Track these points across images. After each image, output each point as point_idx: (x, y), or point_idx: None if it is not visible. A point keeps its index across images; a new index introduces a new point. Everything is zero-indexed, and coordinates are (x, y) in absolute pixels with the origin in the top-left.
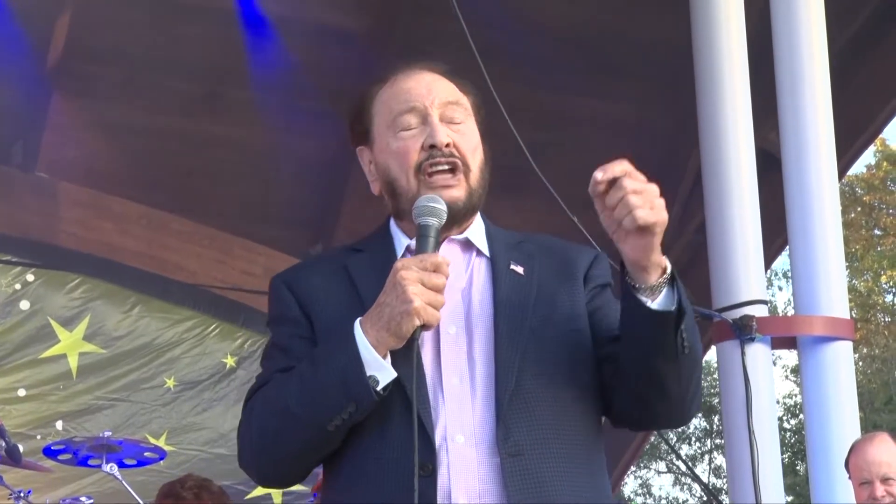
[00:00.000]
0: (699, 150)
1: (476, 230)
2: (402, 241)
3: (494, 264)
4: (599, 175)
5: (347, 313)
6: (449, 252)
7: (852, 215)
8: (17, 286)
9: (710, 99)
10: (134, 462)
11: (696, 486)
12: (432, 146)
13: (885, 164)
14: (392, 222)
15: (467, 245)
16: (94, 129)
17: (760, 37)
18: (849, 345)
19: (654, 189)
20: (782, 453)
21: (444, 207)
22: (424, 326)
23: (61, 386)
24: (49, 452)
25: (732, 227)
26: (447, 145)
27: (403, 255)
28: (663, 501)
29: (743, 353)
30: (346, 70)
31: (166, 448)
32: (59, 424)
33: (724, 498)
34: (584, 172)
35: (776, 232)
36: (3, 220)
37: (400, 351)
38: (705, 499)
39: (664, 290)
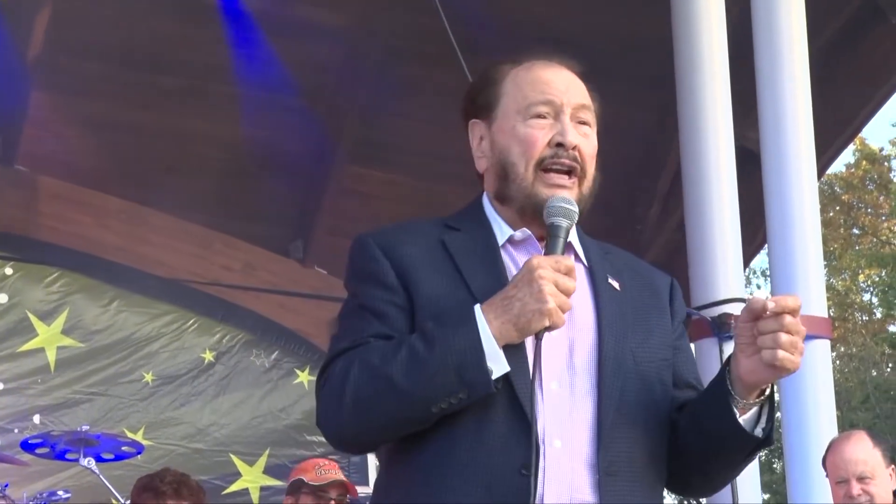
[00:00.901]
0: (679, 148)
1: (574, 236)
2: (503, 229)
3: (593, 274)
4: (771, 305)
5: (450, 293)
6: None
7: (831, 214)
8: None
9: (689, 97)
10: (111, 456)
11: None
12: (559, 144)
13: (864, 162)
14: (488, 204)
15: (568, 249)
16: (74, 123)
17: (740, 35)
18: (826, 343)
19: (803, 334)
20: None
21: (576, 209)
22: (549, 328)
23: (39, 380)
24: (26, 446)
25: (711, 225)
26: (574, 147)
27: (504, 246)
28: None
29: (721, 351)
30: (327, 66)
31: (144, 442)
32: (36, 418)
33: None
34: None
35: (755, 230)
36: None
37: (508, 345)
38: (682, 497)
39: (755, 408)
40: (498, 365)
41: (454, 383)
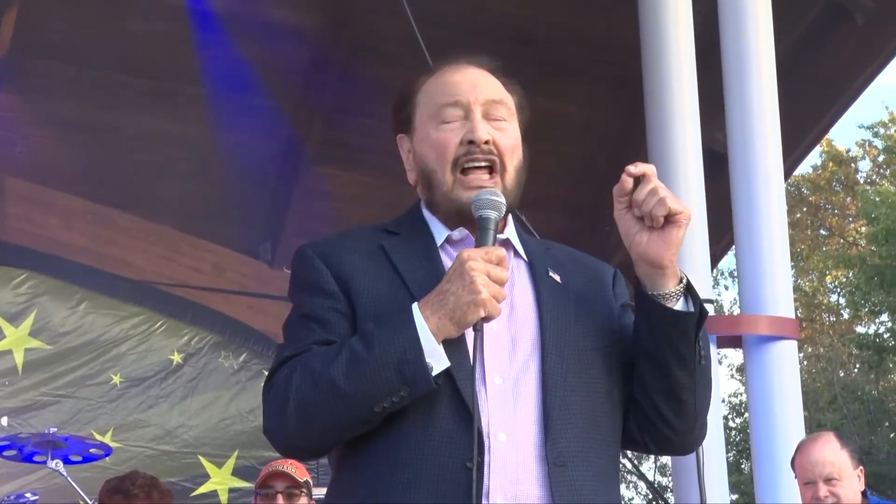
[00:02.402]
0: (646, 150)
1: (512, 232)
2: (440, 230)
3: (533, 268)
4: (633, 168)
5: (391, 295)
6: None
7: (798, 215)
8: None
9: (657, 98)
10: (79, 458)
11: (641, 484)
12: (471, 142)
13: (830, 164)
14: (424, 210)
15: (506, 245)
16: (41, 124)
17: (707, 37)
18: (794, 344)
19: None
20: (727, 452)
21: (503, 200)
22: (486, 318)
23: (6, 382)
24: None
25: None
26: (486, 142)
27: (442, 246)
28: None
29: None
30: (295, 68)
31: (112, 444)
32: (3, 420)
33: (670, 496)
34: (530, 170)
35: (722, 231)
36: None
37: (448, 341)
38: (651, 497)
39: (680, 300)
40: (438, 361)
41: (395, 382)
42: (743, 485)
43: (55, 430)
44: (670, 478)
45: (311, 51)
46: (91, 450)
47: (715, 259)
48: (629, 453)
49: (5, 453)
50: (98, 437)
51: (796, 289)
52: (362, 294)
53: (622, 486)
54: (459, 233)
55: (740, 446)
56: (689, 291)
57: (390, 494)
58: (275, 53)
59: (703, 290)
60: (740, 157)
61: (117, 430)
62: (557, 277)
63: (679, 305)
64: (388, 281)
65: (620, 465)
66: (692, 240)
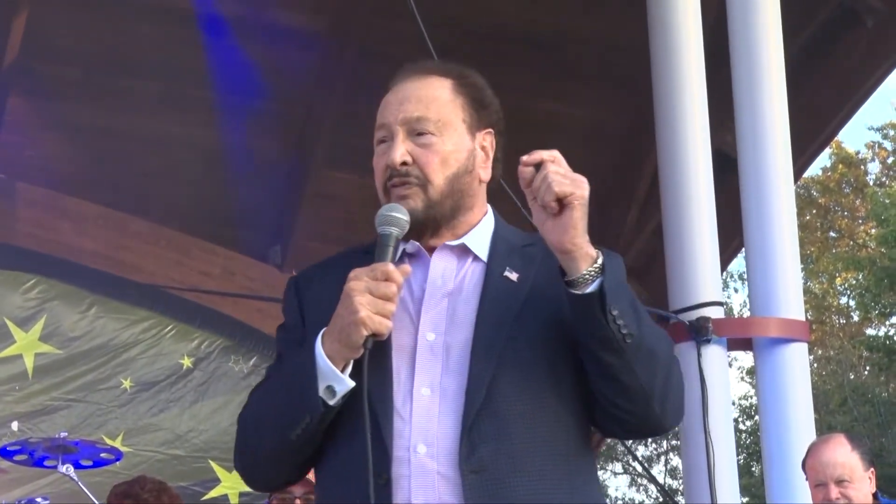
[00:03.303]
0: (656, 153)
1: (478, 235)
2: (399, 249)
3: (489, 269)
4: (526, 157)
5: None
6: (441, 258)
7: (808, 217)
8: None
9: (667, 101)
10: (90, 463)
11: (652, 488)
12: (388, 166)
13: (840, 166)
14: None
15: (464, 251)
16: (52, 129)
17: (717, 39)
18: (804, 346)
19: (578, 176)
20: (738, 455)
21: (404, 217)
22: (375, 335)
23: (17, 386)
24: (4, 453)
25: (689, 229)
26: (403, 163)
27: (402, 259)
28: (619, 502)
29: (699, 355)
30: (304, 71)
31: (123, 449)
32: (14, 425)
33: (680, 499)
34: None
35: (732, 234)
36: None
37: (373, 360)
38: (661, 500)
39: (597, 281)
40: (339, 384)
41: (299, 409)
42: (753, 487)
43: (66, 434)
44: (681, 481)
45: (320, 54)
46: (102, 454)
47: (725, 262)
48: (639, 455)
49: (16, 458)
50: (108, 441)
51: (806, 291)
52: (311, 323)
53: (633, 490)
54: (412, 246)
55: (751, 449)
56: (604, 273)
57: None
58: (283, 56)
59: (713, 293)
60: (750, 160)
61: (128, 434)
62: (514, 276)
63: (594, 285)
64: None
65: (631, 468)
66: (702, 242)
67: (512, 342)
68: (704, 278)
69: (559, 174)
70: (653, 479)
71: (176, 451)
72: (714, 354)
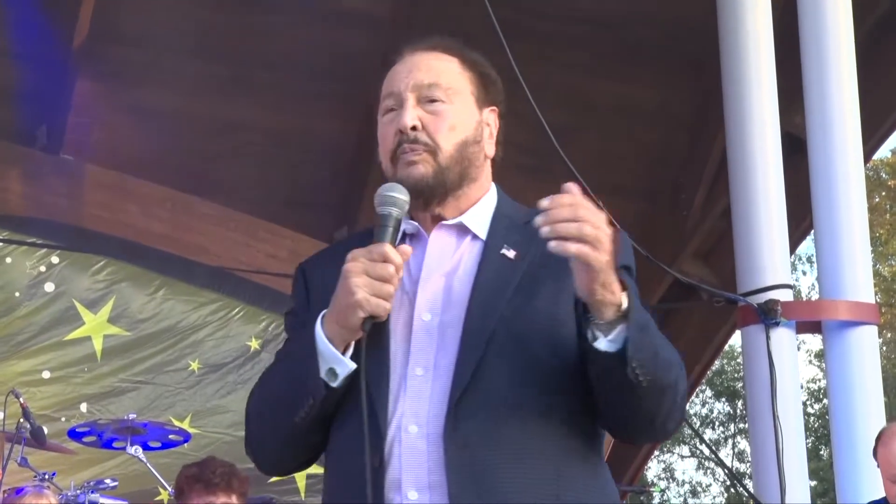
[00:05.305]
0: (724, 134)
1: (478, 213)
2: (399, 229)
3: (486, 248)
4: (545, 203)
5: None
6: (439, 238)
7: (877, 200)
8: (42, 268)
9: (735, 82)
10: (158, 444)
11: (719, 471)
12: (400, 131)
13: None
14: None
15: (462, 229)
16: (120, 111)
17: (786, 19)
18: (873, 329)
19: (603, 235)
20: (806, 438)
21: (403, 196)
22: (373, 317)
23: (86, 368)
24: (74, 434)
25: (757, 211)
26: (413, 128)
27: (402, 242)
28: (686, 485)
29: (768, 338)
30: (369, 53)
31: (190, 431)
32: (83, 407)
33: (748, 482)
34: (607, 155)
35: (801, 216)
36: (29, 203)
37: (371, 341)
38: (729, 483)
39: (620, 326)
40: (340, 366)
41: (301, 392)
42: (822, 471)
43: (134, 416)
44: (749, 464)
45: (385, 36)
46: (170, 436)
47: (793, 244)
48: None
49: (85, 439)
50: (177, 423)
51: (875, 274)
52: (316, 305)
53: (699, 473)
54: (411, 227)
55: (819, 432)
56: (628, 318)
57: (331, 496)
58: (349, 39)
59: (782, 276)
60: (819, 142)
61: (195, 416)
62: (512, 254)
63: (618, 332)
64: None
65: (698, 451)
66: (770, 225)
67: (504, 321)
68: (773, 261)
69: (587, 236)
70: (720, 463)
71: (243, 432)
72: (783, 337)
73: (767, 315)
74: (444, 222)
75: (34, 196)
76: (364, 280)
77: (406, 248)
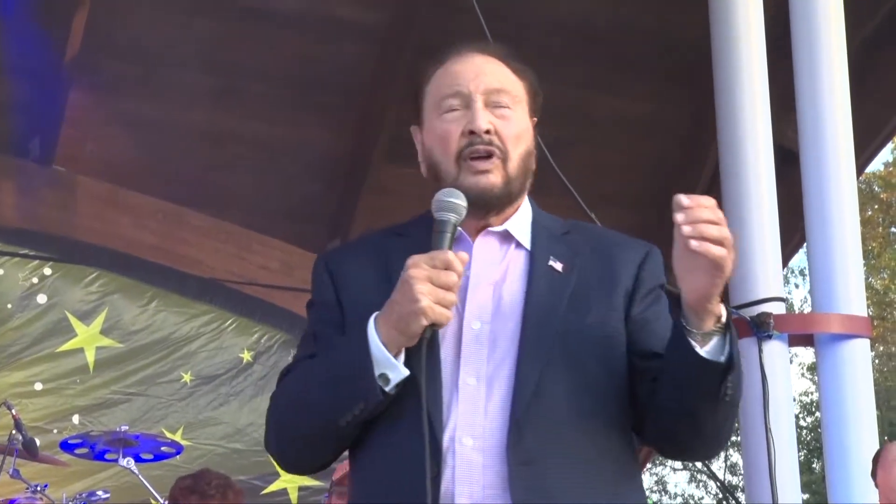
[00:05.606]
0: (717, 147)
1: (519, 221)
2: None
3: (533, 258)
4: (687, 201)
5: (375, 302)
6: (485, 244)
7: (869, 213)
8: (35, 280)
9: (728, 95)
10: (150, 456)
11: (711, 484)
12: (472, 132)
13: None
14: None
15: (506, 237)
16: (112, 123)
17: (778, 32)
18: (866, 342)
19: (726, 238)
20: (798, 451)
21: (462, 203)
22: (434, 325)
23: (78, 380)
24: (66, 446)
25: (750, 223)
26: (487, 132)
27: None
28: (679, 499)
29: (760, 351)
30: (363, 64)
31: (183, 442)
32: (75, 418)
33: (741, 495)
34: (600, 168)
35: (793, 229)
36: (21, 214)
37: (418, 347)
38: (721, 496)
39: (715, 338)
40: (394, 371)
41: (351, 395)
42: (814, 484)
43: (126, 428)
44: (741, 477)
45: (379, 48)
46: (162, 448)
47: (786, 257)
48: None
49: (77, 451)
50: (169, 435)
51: (868, 287)
52: (351, 303)
53: (692, 486)
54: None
55: (811, 445)
56: (726, 332)
57: (371, 499)
58: (342, 51)
59: (774, 288)
60: (812, 154)
61: (188, 428)
62: (559, 266)
63: (713, 343)
64: (379, 289)
65: (690, 464)
66: (763, 237)
67: (561, 337)
68: (765, 274)
69: (726, 240)
70: (713, 476)
71: (236, 444)
72: (775, 350)
73: (760, 328)
74: (490, 229)
75: (26, 208)
76: (428, 288)
77: (464, 255)
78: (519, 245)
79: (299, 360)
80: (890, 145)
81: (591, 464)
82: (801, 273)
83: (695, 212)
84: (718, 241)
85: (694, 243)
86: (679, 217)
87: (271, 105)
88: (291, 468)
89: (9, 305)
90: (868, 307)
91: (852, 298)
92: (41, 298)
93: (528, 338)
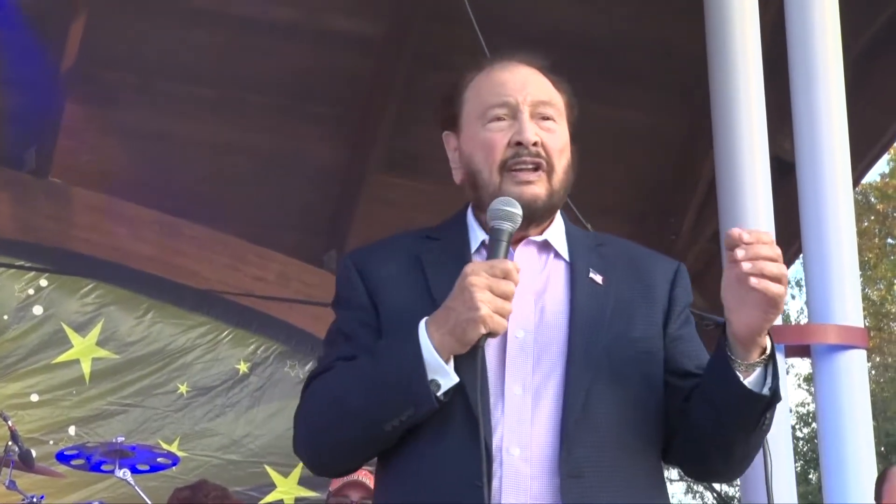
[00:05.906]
0: (713, 158)
1: (556, 231)
2: (477, 235)
3: (573, 269)
4: (746, 236)
5: (415, 306)
6: (526, 254)
7: (866, 224)
8: (31, 291)
9: (724, 106)
10: (147, 468)
11: (708, 494)
12: (519, 143)
13: None
14: (470, 212)
15: (545, 246)
16: (108, 134)
17: (775, 44)
18: (862, 353)
19: (783, 272)
20: (795, 462)
21: (519, 212)
22: (490, 334)
23: (74, 391)
24: (62, 458)
25: None
26: (534, 144)
27: (478, 250)
28: None
29: None
30: (359, 75)
31: (179, 454)
32: (71, 430)
33: None
34: (597, 179)
35: (790, 240)
36: (17, 226)
37: (465, 354)
38: None
39: (758, 369)
40: (445, 378)
41: (401, 399)
42: (811, 495)
43: (122, 439)
44: (737, 488)
45: (376, 59)
46: (158, 459)
47: None
48: None
49: (73, 462)
50: (165, 446)
51: (864, 298)
52: (388, 306)
53: (689, 497)
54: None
55: (808, 456)
56: (769, 363)
57: None
58: (339, 62)
59: None
60: (808, 166)
61: (184, 439)
62: (599, 279)
63: (756, 374)
64: (417, 292)
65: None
66: None
67: (606, 351)
68: None
69: (784, 277)
70: (709, 486)
71: (232, 455)
72: None
73: None
74: (530, 238)
75: (22, 219)
76: (488, 296)
77: (517, 265)
78: (558, 255)
79: (333, 361)
80: (886, 156)
81: (633, 479)
82: (798, 284)
83: (755, 248)
84: (777, 279)
85: (754, 280)
86: (739, 253)
87: (268, 116)
88: (321, 470)
89: (5, 317)
90: (864, 318)
91: (849, 309)
92: (37, 310)
93: (575, 352)
